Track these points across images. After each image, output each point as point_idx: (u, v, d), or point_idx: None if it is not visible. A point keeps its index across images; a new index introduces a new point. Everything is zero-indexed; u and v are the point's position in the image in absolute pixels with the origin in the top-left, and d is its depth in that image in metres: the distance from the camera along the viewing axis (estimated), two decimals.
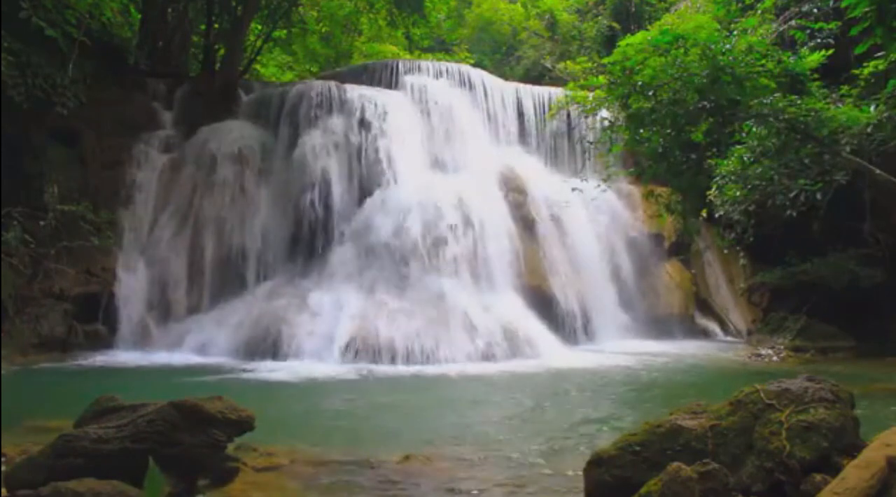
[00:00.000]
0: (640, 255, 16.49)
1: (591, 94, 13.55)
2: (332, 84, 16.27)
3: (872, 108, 10.36)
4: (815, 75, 11.08)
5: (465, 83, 17.83)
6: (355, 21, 23.67)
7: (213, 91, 16.68)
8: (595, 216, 16.24)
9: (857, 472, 3.35)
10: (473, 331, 12.45)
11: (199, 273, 13.91)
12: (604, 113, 13.77)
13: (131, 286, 13.47)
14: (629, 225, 16.71)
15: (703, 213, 13.10)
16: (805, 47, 12.40)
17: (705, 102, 10.36)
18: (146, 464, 4.52)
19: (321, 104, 15.66)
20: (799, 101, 10.04)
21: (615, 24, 22.52)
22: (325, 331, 12.27)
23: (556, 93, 17.17)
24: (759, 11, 13.41)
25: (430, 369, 11.33)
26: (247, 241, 14.29)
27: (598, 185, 13.46)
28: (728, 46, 10.23)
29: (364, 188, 14.90)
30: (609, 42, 20.72)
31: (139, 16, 18.40)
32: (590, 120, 16.92)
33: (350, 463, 5.52)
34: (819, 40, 12.73)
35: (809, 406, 3.95)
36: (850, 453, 3.78)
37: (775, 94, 10.13)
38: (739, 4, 14.54)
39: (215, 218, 14.35)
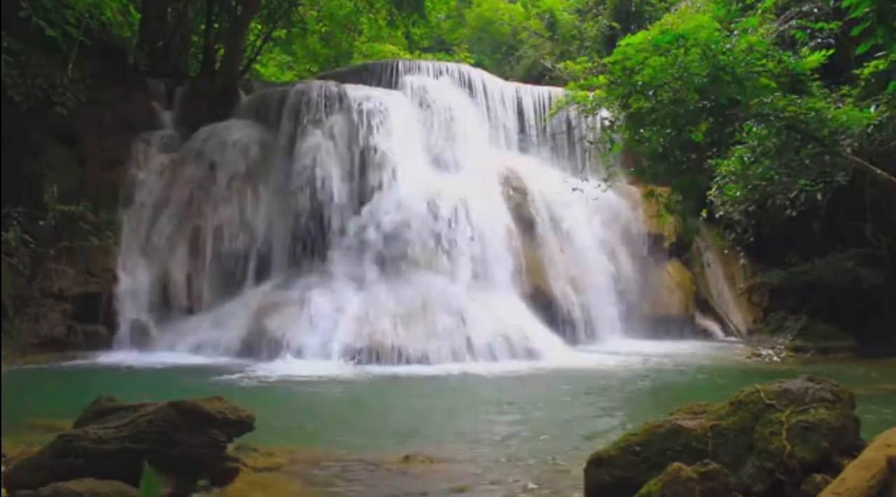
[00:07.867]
0: (640, 255, 16.49)
1: (591, 94, 13.53)
2: (332, 84, 16.27)
3: (873, 109, 10.34)
4: (816, 75, 11.06)
5: (465, 83, 17.82)
6: (355, 21, 23.65)
7: (213, 91, 16.68)
8: (595, 216, 16.24)
9: (857, 472, 3.35)
10: (473, 331, 12.44)
11: (199, 273, 13.91)
12: (604, 113, 13.74)
13: (131, 286, 13.45)
14: (629, 225, 16.70)
15: (703, 213, 13.09)
16: (805, 47, 12.37)
17: (705, 102, 10.34)
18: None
19: (321, 104, 15.65)
20: (799, 101, 10.01)
21: (615, 24, 22.50)
22: (325, 331, 12.27)
23: (556, 93, 17.16)
24: (760, 11, 13.38)
25: (430, 369, 11.32)
26: (246, 241, 14.29)
27: (598, 185, 13.45)
28: (728, 46, 10.21)
29: (364, 188, 14.88)
30: (609, 42, 20.69)
31: (139, 16, 18.37)
32: (590, 120, 16.92)
33: (350, 463, 5.52)
34: (819, 40, 12.70)
35: (810, 406, 3.94)
36: (851, 453, 3.77)
37: (775, 94, 10.11)
38: (739, 4, 14.50)
39: (215, 218, 14.34)
